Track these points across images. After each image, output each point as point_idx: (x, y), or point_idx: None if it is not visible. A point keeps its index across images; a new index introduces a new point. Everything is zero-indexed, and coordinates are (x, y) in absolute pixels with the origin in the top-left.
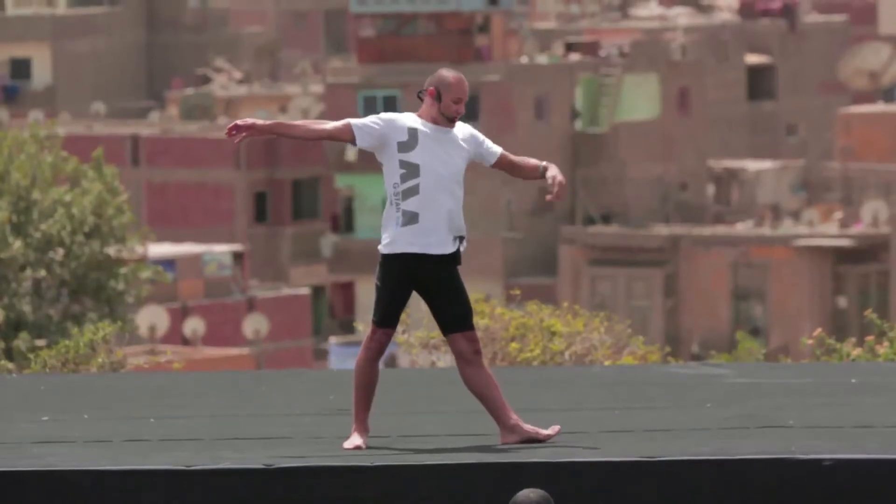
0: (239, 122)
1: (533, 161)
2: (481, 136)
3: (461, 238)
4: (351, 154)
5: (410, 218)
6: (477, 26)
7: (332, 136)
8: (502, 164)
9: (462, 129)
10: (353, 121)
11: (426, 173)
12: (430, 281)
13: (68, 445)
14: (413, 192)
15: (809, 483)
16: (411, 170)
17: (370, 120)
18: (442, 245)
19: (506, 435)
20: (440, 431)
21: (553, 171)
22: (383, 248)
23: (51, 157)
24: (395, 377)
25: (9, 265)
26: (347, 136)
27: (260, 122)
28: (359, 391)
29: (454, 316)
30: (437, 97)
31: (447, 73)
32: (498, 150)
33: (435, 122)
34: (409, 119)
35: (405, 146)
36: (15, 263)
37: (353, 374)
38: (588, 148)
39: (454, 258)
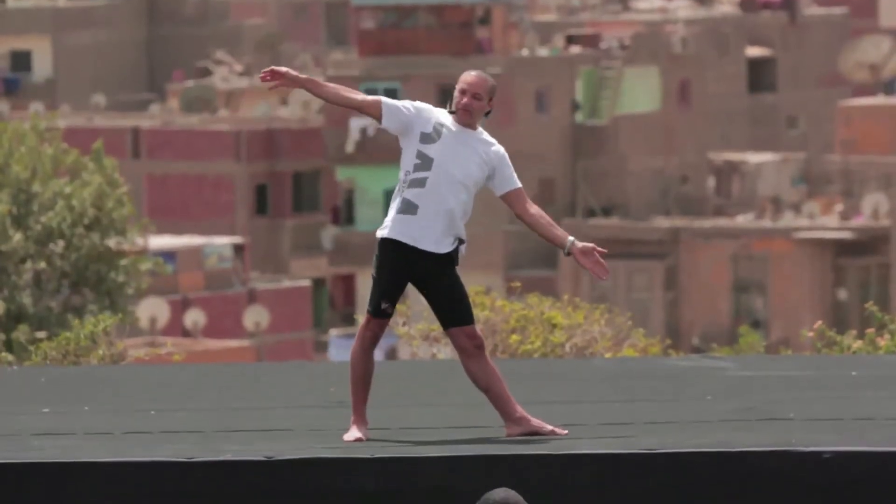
0: (276, 67)
1: (560, 231)
2: (509, 162)
3: (460, 241)
4: (351, 146)
5: (409, 207)
6: (477, 19)
7: (361, 107)
8: (513, 201)
9: (494, 145)
10: (384, 99)
11: (437, 168)
12: (425, 278)
13: (69, 438)
14: (420, 183)
15: (810, 475)
16: (425, 162)
17: (402, 103)
18: (436, 243)
19: (511, 427)
20: (441, 423)
21: (583, 250)
22: (379, 231)
23: (51, 149)
24: (395, 369)
25: (9, 257)
26: (375, 112)
27: (294, 73)
28: (355, 382)
29: (452, 313)
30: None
31: (472, 76)
32: (516, 184)
33: (462, 124)
34: (440, 114)
35: (427, 138)
36: (15, 256)
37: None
38: (588, 140)
39: (449, 258)
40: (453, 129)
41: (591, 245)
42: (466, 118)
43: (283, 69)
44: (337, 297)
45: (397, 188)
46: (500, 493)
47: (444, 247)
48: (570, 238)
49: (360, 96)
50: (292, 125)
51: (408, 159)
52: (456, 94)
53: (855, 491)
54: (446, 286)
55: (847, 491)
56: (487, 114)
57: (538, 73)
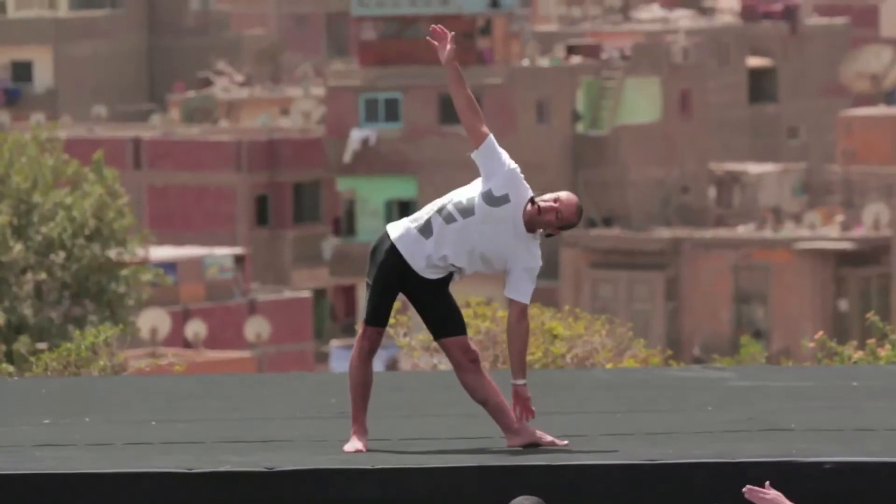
0: (448, 31)
1: (523, 366)
2: (530, 278)
3: (456, 270)
4: (349, 156)
5: (427, 230)
6: (478, 29)
7: (468, 129)
8: (512, 307)
9: (531, 256)
10: (491, 138)
11: (468, 225)
12: (415, 292)
13: (70, 449)
14: (449, 220)
15: (810, 486)
16: (468, 211)
17: (503, 154)
18: (429, 272)
19: (512, 437)
20: (442, 434)
21: (522, 393)
22: (392, 228)
23: (52, 159)
24: (396, 380)
25: (10, 268)
26: (476, 141)
27: (453, 53)
28: (354, 391)
29: (443, 325)
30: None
31: (574, 204)
32: (524, 299)
33: (525, 217)
34: (522, 192)
35: (489, 197)
36: (16, 266)
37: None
38: (589, 151)
39: (442, 280)
40: (515, 212)
41: (529, 397)
42: (535, 216)
43: (450, 40)
44: (338, 307)
45: (433, 204)
46: (524, 501)
47: (437, 275)
48: (524, 381)
49: (476, 119)
50: (293, 135)
51: (462, 193)
52: (550, 195)
53: (856, 502)
54: (437, 302)
55: (848, 502)
56: (549, 235)
57: (539, 84)
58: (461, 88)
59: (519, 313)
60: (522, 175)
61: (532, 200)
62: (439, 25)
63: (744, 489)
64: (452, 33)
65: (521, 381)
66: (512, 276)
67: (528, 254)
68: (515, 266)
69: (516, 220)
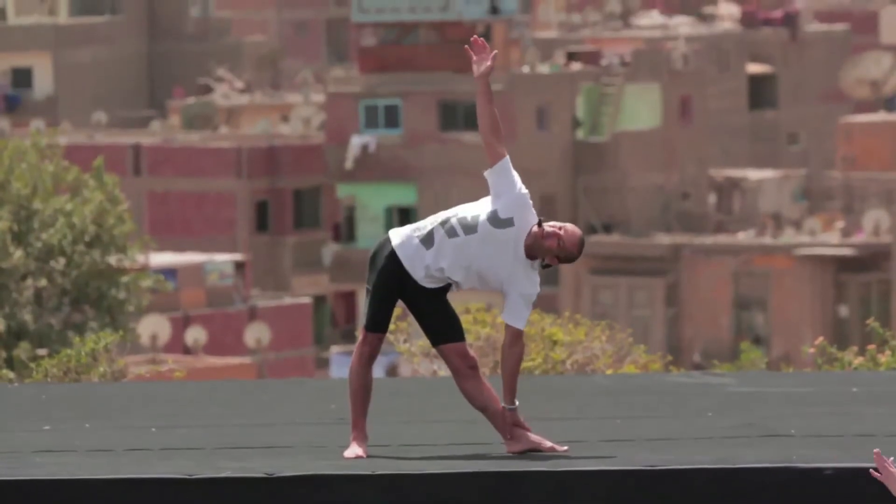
0: (487, 48)
1: (514, 391)
2: (525, 304)
3: (453, 283)
4: (350, 163)
5: (429, 240)
6: (478, 35)
7: (488, 142)
8: (507, 332)
9: (530, 283)
10: (507, 159)
11: (469, 242)
12: (414, 299)
13: (70, 455)
14: (451, 233)
15: (810, 492)
16: (471, 228)
17: (516, 177)
18: (427, 281)
19: (511, 444)
20: (442, 440)
21: (515, 419)
22: (395, 235)
23: (52, 166)
24: (396, 386)
25: (10, 275)
26: (492, 159)
27: (490, 70)
28: (355, 397)
29: (441, 332)
30: (556, 242)
31: (577, 237)
32: (518, 325)
33: (528, 241)
34: (527, 216)
35: (495, 219)
36: (16, 273)
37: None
38: (589, 157)
39: (440, 289)
40: (517, 236)
41: (518, 423)
42: (538, 238)
43: (490, 56)
44: (338, 314)
45: (438, 216)
46: None
47: (434, 285)
48: (513, 406)
49: (496, 138)
50: (293, 142)
51: (468, 209)
52: (556, 223)
53: None
54: (435, 309)
55: None
56: (545, 266)
57: (539, 90)
58: (488, 105)
59: (513, 337)
60: (531, 202)
61: (539, 223)
62: (481, 38)
63: (875, 449)
64: (495, 52)
65: (510, 406)
66: (509, 300)
67: (527, 280)
68: (512, 290)
69: (517, 244)
